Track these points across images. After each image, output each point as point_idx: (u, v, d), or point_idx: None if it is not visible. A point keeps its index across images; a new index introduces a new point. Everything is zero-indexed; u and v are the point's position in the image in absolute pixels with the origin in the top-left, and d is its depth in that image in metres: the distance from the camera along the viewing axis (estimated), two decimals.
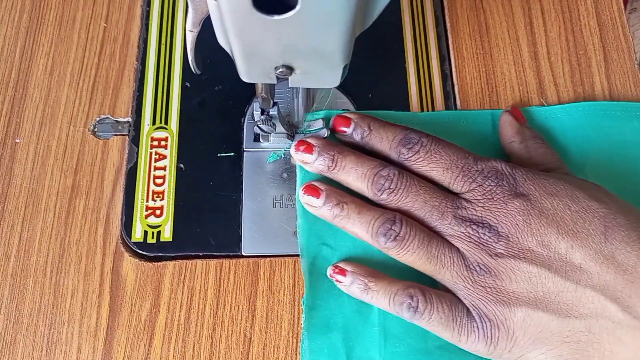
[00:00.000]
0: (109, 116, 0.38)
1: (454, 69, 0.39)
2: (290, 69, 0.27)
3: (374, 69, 0.39)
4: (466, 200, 0.31)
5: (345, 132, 0.34)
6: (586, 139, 0.37)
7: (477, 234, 0.30)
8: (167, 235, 0.35)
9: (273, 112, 0.33)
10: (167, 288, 0.34)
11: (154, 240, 0.35)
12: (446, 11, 0.41)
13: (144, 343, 0.33)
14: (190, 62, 0.31)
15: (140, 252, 0.35)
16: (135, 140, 0.37)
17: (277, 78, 0.28)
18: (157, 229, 0.35)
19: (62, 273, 0.34)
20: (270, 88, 0.32)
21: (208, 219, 0.35)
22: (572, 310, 0.29)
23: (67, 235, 0.35)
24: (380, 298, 0.31)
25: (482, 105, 0.38)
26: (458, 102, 0.38)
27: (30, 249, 0.35)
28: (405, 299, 0.30)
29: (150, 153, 0.37)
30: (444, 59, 0.40)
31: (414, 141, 0.32)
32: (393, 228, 0.31)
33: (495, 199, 0.31)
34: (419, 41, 0.40)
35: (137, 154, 0.37)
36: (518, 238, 0.30)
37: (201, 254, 0.35)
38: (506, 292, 0.30)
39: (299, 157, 0.34)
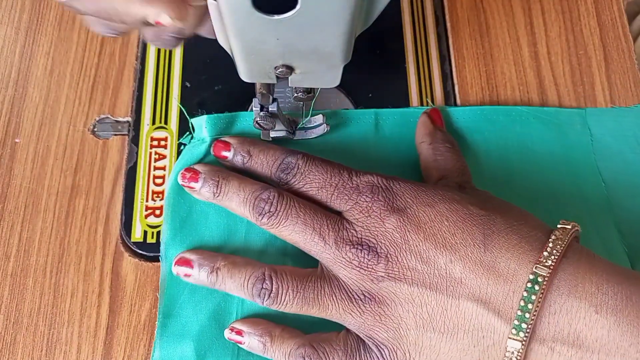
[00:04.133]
0: (109, 116, 0.38)
1: (454, 69, 0.39)
2: (290, 69, 0.27)
3: (374, 69, 0.39)
4: (347, 220, 0.30)
5: (226, 157, 0.34)
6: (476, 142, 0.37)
7: (357, 258, 0.29)
8: None
9: (272, 108, 0.33)
10: None
11: (154, 240, 0.35)
12: (446, 11, 0.41)
13: (144, 343, 0.33)
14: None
15: (140, 252, 0.35)
16: (135, 140, 0.37)
17: (277, 78, 0.28)
18: (157, 229, 0.35)
19: (62, 273, 0.34)
20: (270, 85, 0.32)
21: None
22: (458, 327, 0.28)
23: (67, 235, 0.35)
24: (278, 357, 0.31)
25: (482, 105, 0.38)
26: (458, 102, 0.38)
27: (30, 249, 0.35)
28: (298, 358, 0.30)
29: (150, 153, 0.37)
30: (444, 58, 0.40)
31: (291, 165, 0.32)
32: (264, 287, 0.30)
33: (372, 216, 0.30)
34: (419, 41, 0.40)
35: (137, 153, 0.37)
36: (397, 257, 0.29)
37: None
38: (393, 317, 0.29)
39: (185, 184, 0.33)
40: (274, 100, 0.32)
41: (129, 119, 0.38)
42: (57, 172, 0.37)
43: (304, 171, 0.32)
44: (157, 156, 0.37)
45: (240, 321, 0.32)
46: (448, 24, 0.41)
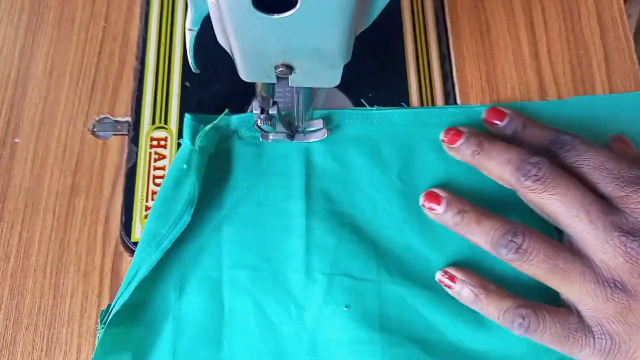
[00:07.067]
0: (109, 116, 0.38)
1: (454, 69, 0.39)
2: (290, 68, 0.27)
3: (374, 69, 0.39)
4: (616, 207, 0.29)
5: (497, 124, 0.35)
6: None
7: (624, 246, 0.28)
8: None
9: (273, 111, 0.33)
10: None
11: None
12: (446, 10, 0.41)
13: None
14: (189, 61, 0.31)
15: None
16: (134, 140, 0.37)
17: (277, 77, 0.28)
18: None
19: (61, 273, 0.34)
20: (271, 87, 0.32)
21: None
22: None
23: (67, 235, 0.35)
24: (490, 311, 0.31)
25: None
26: (459, 102, 0.38)
27: (30, 249, 0.35)
28: (516, 318, 0.30)
29: (150, 153, 0.37)
30: (445, 58, 0.40)
31: (567, 141, 0.32)
32: (514, 240, 0.29)
33: None
34: (419, 40, 0.40)
35: (137, 153, 0.37)
36: None
37: None
38: (637, 314, 0.28)
39: (445, 141, 0.34)
40: (274, 103, 0.32)
41: (129, 119, 0.38)
42: (57, 172, 0.37)
43: (580, 149, 0.31)
44: (157, 156, 0.37)
45: (454, 268, 0.33)
46: (448, 24, 0.41)
